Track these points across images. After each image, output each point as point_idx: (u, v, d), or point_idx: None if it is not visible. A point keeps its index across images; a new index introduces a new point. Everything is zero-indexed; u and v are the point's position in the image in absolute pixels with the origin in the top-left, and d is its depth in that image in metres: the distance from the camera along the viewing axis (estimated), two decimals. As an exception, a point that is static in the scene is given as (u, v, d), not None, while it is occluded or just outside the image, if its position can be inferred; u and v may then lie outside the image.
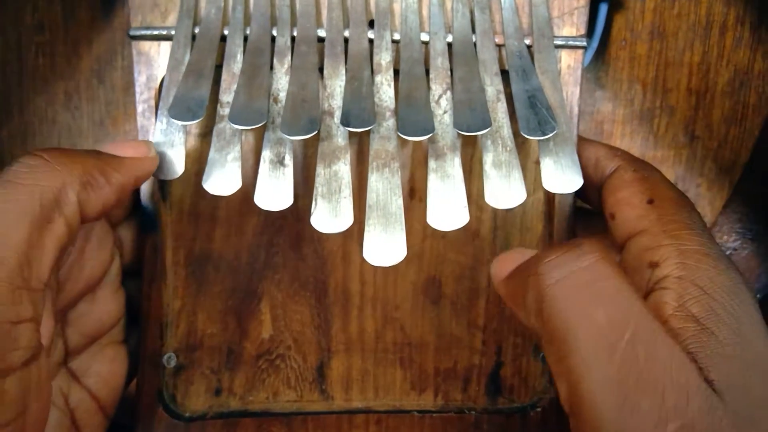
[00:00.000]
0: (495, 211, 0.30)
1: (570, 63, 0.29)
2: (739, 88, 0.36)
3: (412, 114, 0.26)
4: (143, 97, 0.28)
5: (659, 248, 0.24)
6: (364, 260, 0.30)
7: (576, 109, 0.29)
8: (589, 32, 0.29)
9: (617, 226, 0.26)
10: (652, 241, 0.24)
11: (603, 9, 0.32)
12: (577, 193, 0.29)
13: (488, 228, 0.30)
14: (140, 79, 0.28)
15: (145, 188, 0.29)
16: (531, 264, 0.22)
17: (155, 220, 0.29)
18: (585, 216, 0.30)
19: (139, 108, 0.28)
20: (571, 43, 0.29)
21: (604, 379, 0.19)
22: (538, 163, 0.30)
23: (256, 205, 0.26)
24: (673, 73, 0.35)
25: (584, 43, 0.29)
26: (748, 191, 0.37)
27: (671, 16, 0.35)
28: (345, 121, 0.25)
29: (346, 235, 0.30)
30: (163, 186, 0.29)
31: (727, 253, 0.38)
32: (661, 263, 0.23)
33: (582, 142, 0.29)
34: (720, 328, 0.21)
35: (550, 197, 0.30)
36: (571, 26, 0.29)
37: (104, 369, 0.28)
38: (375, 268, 0.30)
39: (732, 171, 0.37)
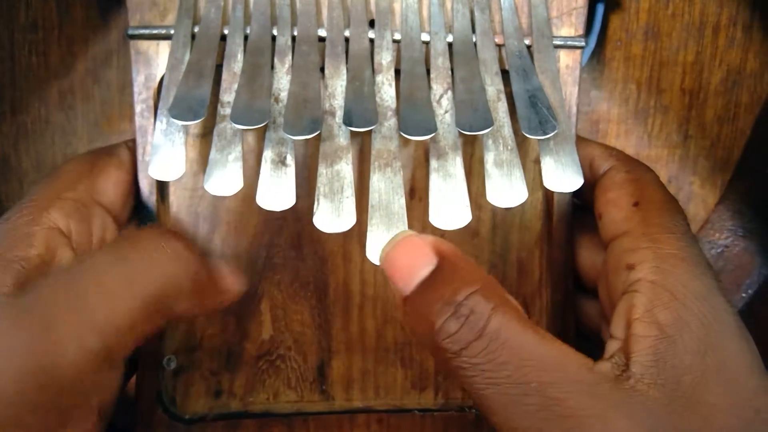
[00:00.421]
0: (494, 210, 0.30)
1: (569, 63, 0.29)
2: (731, 87, 0.36)
3: (415, 114, 0.26)
4: (141, 96, 0.28)
5: (637, 251, 0.24)
6: (364, 260, 0.30)
7: (574, 109, 0.29)
8: (586, 32, 0.30)
9: (603, 226, 0.27)
10: (632, 243, 0.25)
11: (600, 9, 0.33)
12: (574, 192, 0.29)
13: (488, 227, 0.31)
14: (138, 79, 0.28)
15: (145, 188, 0.28)
16: (429, 318, 0.21)
17: (154, 221, 0.29)
18: (581, 214, 0.31)
19: (138, 108, 0.28)
20: (569, 43, 0.29)
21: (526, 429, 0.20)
22: (537, 162, 0.30)
23: (255, 205, 0.25)
24: (667, 73, 0.36)
25: (583, 43, 0.29)
26: (740, 189, 0.37)
27: (665, 17, 0.35)
28: (347, 121, 0.25)
29: (346, 235, 0.29)
30: (162, 186, 0.29)
31: (719, 250, 0.38)
32: (637, 266, 0.24)
33: (578, 141, 0.30)
34: (684, 335, 0.22)
35: (548, 196, 0.30)
36: (569, 26, 0.29)
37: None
38: (375, 267, 0.30)
39: (724, 169, 0.37)
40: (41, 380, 0.19)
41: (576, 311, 0.30)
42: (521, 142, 0.29)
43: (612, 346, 0.23)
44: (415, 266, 0.22)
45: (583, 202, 0.30)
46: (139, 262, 0.21)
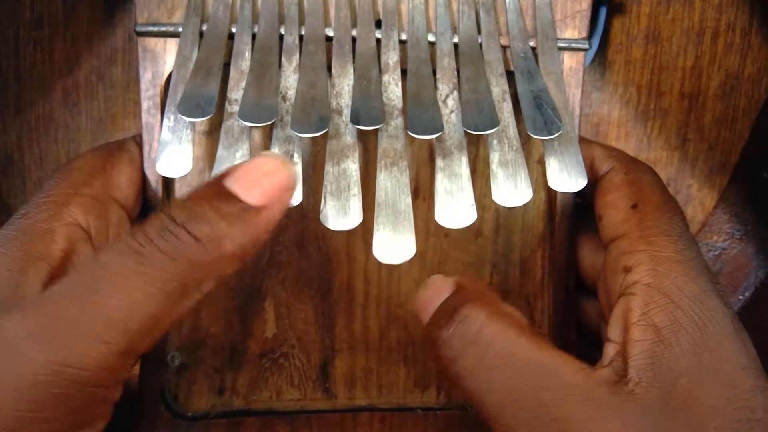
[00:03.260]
0: (497, 210, 0.31)
1: (572, 65, 0.29)
2: (729, 91, 0.37)
3: (421, 113, 0.26)
4: (148, 93, 0.28)
5: (634, 253, 0.25)
6: (368, 259, 0.30)
7: (578, 110, 0.30)
8: (589, 35, 0.30)
9: (603, 227, 0.27)
10: (629, 245, 0.25)
11: (603, 12, 0.33)
12: (576, 192, 0.29)
13: (491, 227, 0.31)
14: (146, 76, 0.28)
15: (151, 185, 0.28)
16: (431, 337, 0.23)
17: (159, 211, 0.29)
18: (583, 214, 0.31)
19: (144, 105, 0.28)
20: (573, 45, 0.29)
21: None
22: (540, 162, 0.30)
23: None
24: (667, 77, 0.36)
25: (586, 46, 0.29)
26: (737, 192, 0.38)
27: (666, 21, 0.35)
28: (355, 120, 0.25)
29: (350, 233, 0.30)
30: (167, 183, 0.29)
31: (717, 252, 0.39)
32: (634, 268, 0.24)
33: (580, 141, 0.30)
34: (679, 337, 0.22)
35: (551, 196, 0.31)
36: (573, 29, 0.30)
37: None
38: (379, 266, 0.30)
39: (722, 172, 0.38)
40: (65, 379, 0.19)
41: (577, 311, 0.31)
42: (524, 143, 0.29)
43: (610, 351, 0.23)
44: (436, 297, 0.24)
45: (584, 202, 0.31)
46: (154, 252, 0.21)
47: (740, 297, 0.39)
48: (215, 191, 0.22)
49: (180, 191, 0.29)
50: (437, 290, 0.24)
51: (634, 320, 0.23)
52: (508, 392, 0.21)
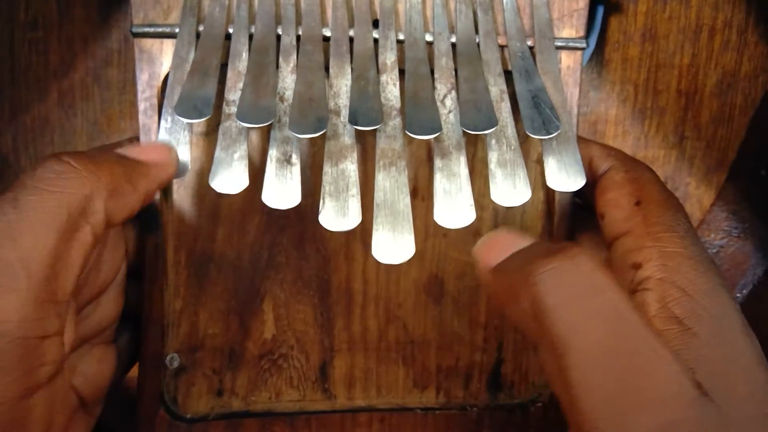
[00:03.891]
0: (496, 209, 0.31)
1: (570, 64, 0.29)
2: (726, 89, 0.37)
3: (419, 113, 0.26)
4: (145, 95, 0.28)
5: (642, 250, 0.24)
6: (367, 259, 0.30)
7: (575, 109, 0.30)
8: (586, 34, 0.30)
9: (606, 226, 0.27)
10: (636, 242, 0.25)
11: (600, 11, 0.33)
12: (575, 191, 0.29)
13: (489, 226, 0.31)
14: (142, 77, 0.28)
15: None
16: (525, 268, 0.21)
17: (157, 220, 0.29)
18: (582, 213, 0.31)
19: (141, 106, 0.28)
20: (570, 44, 0.29)
21: (604, 396, 0.19)
22: (538, 162, 0.30)
23: (258, 204, 0.25)
24: (664, 75, 0.36)
25: (584, 45, 0.29)
26: (735, 190, 0.38)
27: (662, 20, 0.36)
28: (353, 120, 0.25)
29: (349, 234, 0.30)
30: (165, 185, 0.29)
31: (714, 250, 0.39)
32: (644, 265, 0.24)
33: (579, 141, 0.30)
34: (701, 328, 0.22)
35: (549, 196, 0.31)
36: (570, 28, 0.30)
37: (91, 369, 0.27)
38: (378, 266, 0.30)
39: (720, 170, 0.38)
40: None
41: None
42: (523, 143, 0.29)
43: None
44: (511, 244, 0.23)
45: (583, 201, 0.31)
46: (29, 196, 0.21)
47: (738, 294, 0.39)
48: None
49: (178, 192, 0.29)
50: (510, 238, 0.23)
51: (653, 314, 0.23)
52: (602, 351, 0.19)
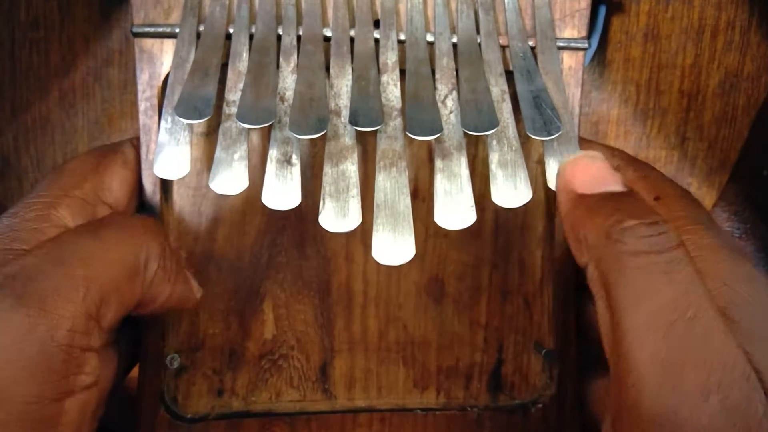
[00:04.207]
0: (496, 210, 0.31)
1: (571, 64, 0.29)
2: (729, 90, 0.37)
3: (420, 114, 0.26)
4: (146, 95, 0.28)
5: None
6: (367, 260, 0.30)
7: (577, 110, 0.29)
8: (588, 34, 0.30)
9: None
10: None
11: (602, 11, 0.33)
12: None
13: (490, 227, 0.31)
14: (143, 77, 0.28)
15: (148, 187, 0.28)
16: (612, 217, 0.22)
17: (157, 220, 0.29)
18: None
19: (141, 106, 0.28)
20: (572, 44, 0.29)
21: (655, 353, 0.20)
22: (539, 162, 0.30)
23: (258, 204, 0.25)
24: (666, 75, 0.36)
25: (586, 45, 0.29)
26: (737, 191, 0.38)
27: (665, 20, 0.35)
28: (353, 121, 0.25)
29: (349, 234, 0.29)
30: (165, 185, 0.29)
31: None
32: None
33: (581, 142, 0.30)
34: (744, 317, 0.22)
35: (550, 197, 0.30)
36: (572, 28, 0.29)
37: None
38: (378, 267, 0.30)
39: (722, 171, 0.38)
40: (41, 337, 0.21)
41: (577, 311, 0.31)
42: (524, 143, 0.29)
43: None
44: (605, 179, 0.23)
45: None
46: (109, 232, 0.24)
47: (740, 295, 0.39)
48: None
49: (178, 193, 0.29)
50: (605, 173, 0.23)
51: None
52: (664, 312, 0.20)
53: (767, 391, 0.20)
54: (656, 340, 0.20)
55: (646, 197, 0.26)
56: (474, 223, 0.26)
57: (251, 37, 0.28)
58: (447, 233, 0.30)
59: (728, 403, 0.19)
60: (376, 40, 0.28)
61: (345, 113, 0.27)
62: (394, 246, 0.25)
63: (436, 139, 0.27)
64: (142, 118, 0.28)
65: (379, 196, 0.26)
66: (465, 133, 0.26)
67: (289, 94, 0.27)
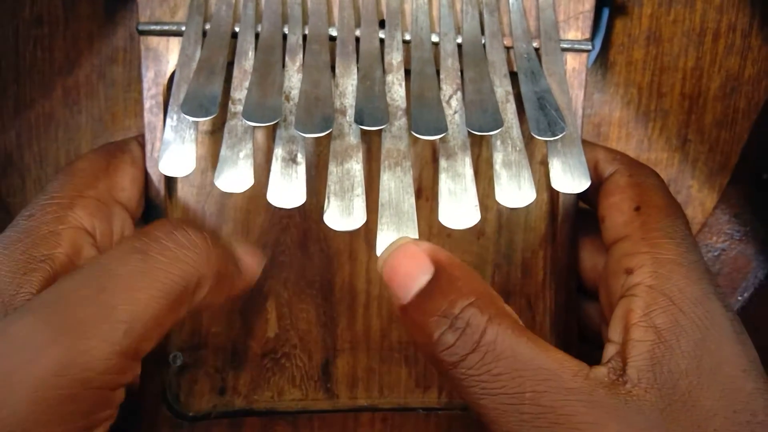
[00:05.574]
0: (500, 210, 0.31)
1: (575, 66, 0.30)
2: (730, 93, 0.37)
3: (425, 113, 0.26)
4: (151, 92, 0.28)
5: (636, 255, 0.25)
6: (370, 259, 0.30)
7: (580, 111, 0.30)
8: (592, 36, 0.30)
9: (605, 229, 0.27)
10: (632, 248, 0.25)
11: (605, 14, 0.33)
12: (578, 194, 0.29)
13: (493, 228, 0.31)
14: (148, 75, 0.28)
15: (153, 184, 0.28)
16: (425, 334, 0.22)
17: (162, 217, 0.29)
18: (585, 216, 0.31)
19: (147, 104, 0.28)
20: (576, 46, 0.29)
21: None
22: (543, 163, 0.30)
23: (262, 203, 0.26)
24: (668, 78, 0.36)
25: (589, 47, 0.29)
26: (737, 193, 0.38)
27: (667, 23, 0.36)
28: (359, 120, 0.25)
29: (353, 233, 0.30)
30: (169, 183, 0.29)
31: (716, 253, 0.39)
32: (636, 270, 0.24)
33: (583, 144, 0.30)
34: (680, 339, 0.22)
35: (553, 197, 0.31)
36: (576, 30, 0.30)
37: None
38: (381, 266, 0.30)
39: (722, 173, 0.38)
40: (72, 380, 0.19)
41: (579, 313, 0.31)
42: (527, 144, 0.29)
43: (609, 351, 0.23)
44: (413, 275, 0.22)
45: (587, 204, 0.31)
46: (158, 255, 0.21)
47: (739, 298, 0.39)
48: None
49: (182, 191, 0.29)
50: (411, 264, 0.22)
51: (635, 321, 0.23)
52: (510, 397, 0.21)
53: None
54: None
55: (629, 206, 0.26)
56: (477, 223, 0.26)
57: (257, 35, 0.28)
58: (450, 233, 0.30)
59: None
60: (382, 40, 0.28)
61: (350, 112, 0.27)
62: None
63: (440, 138, 0.27)
64: (147, 115, 0.28)
65: (383, 195, 0.26)
66: (469, 133, 0.26)
67: (295, 93, 0.27)
